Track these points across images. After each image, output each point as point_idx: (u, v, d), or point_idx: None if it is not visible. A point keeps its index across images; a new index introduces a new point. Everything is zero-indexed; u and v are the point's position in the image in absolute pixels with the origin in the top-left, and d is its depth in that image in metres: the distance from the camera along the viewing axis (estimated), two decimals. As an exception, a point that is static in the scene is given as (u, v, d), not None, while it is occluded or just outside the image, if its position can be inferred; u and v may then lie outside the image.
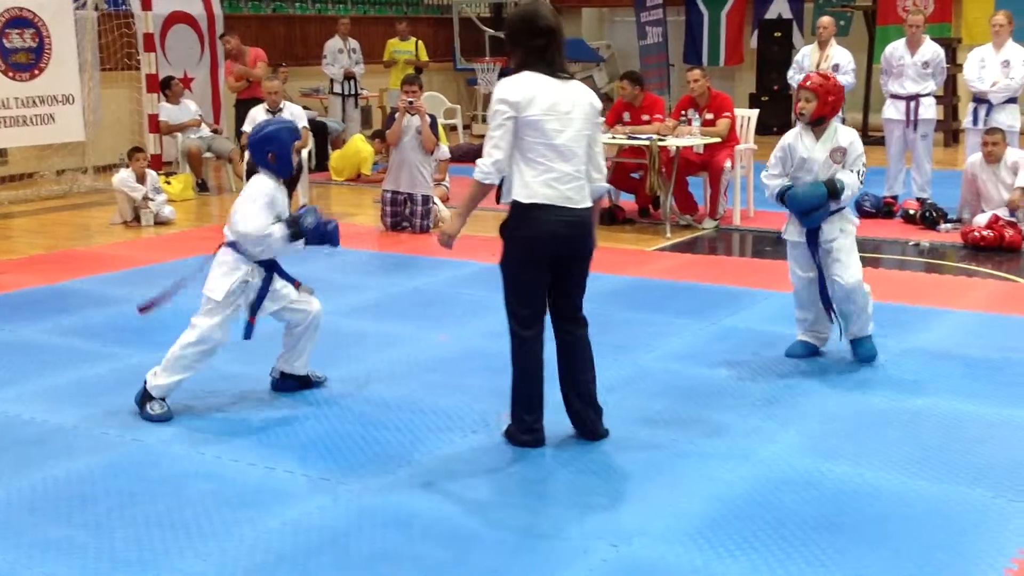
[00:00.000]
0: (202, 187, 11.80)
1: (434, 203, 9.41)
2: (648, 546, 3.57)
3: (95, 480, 4.15)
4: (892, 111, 9.94)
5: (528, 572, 3.43)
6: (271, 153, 4.84)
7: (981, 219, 8.42)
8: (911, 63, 9.79)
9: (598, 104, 4.37)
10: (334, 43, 14.16)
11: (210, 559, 3.52)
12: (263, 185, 4.88)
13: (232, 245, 4.89)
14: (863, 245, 8.44)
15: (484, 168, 4.23)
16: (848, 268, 5.37)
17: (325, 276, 7.64)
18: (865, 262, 7.83)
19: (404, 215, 9.33)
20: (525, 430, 4.42)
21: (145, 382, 4.86)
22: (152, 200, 9.86)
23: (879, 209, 9.52)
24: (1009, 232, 8.16)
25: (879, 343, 5.64)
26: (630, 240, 8.96)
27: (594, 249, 4.43)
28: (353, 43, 14.28)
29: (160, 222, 9.83)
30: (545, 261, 4.31)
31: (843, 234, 5.41)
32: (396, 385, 5.23)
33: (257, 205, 4.82)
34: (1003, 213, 8.37)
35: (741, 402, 4.93)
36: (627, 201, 10.01)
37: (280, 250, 4.93)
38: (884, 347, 5.66)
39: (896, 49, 9.96)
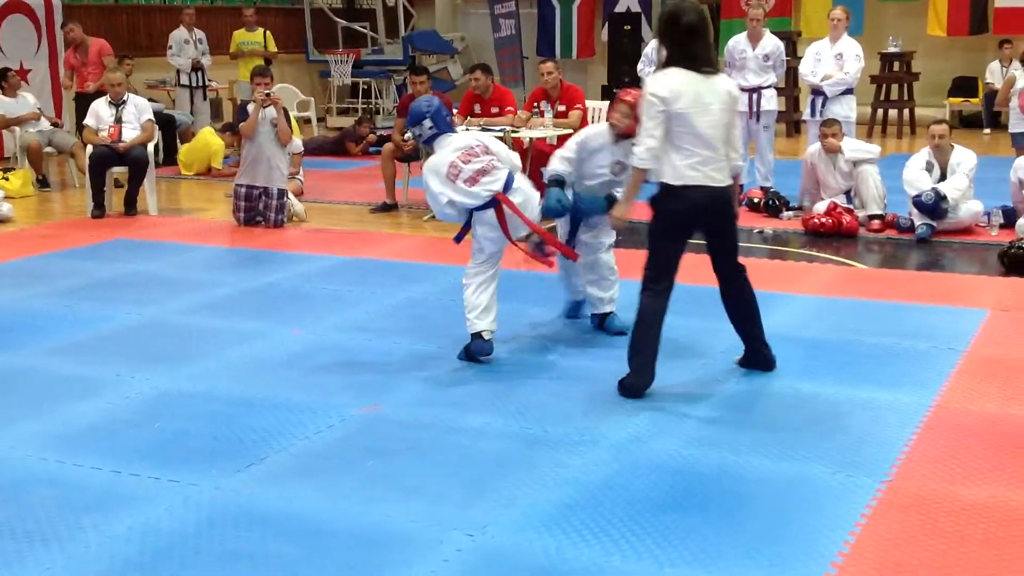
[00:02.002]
0: (43, 183, 11.37)
1: (288, 197, 9.29)
2: (502, 534, 3.61)
3: (-72, 491, 3.97)
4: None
5: (384, 566, 3.42)
6: (451, 117, 5.54)
7: (820, 206, 8.74)
8: (752, 56, 10.10)
9: (737, 93, 4.92)
10: (179, 33, 13.79)
11: (53, 567, 3.41)
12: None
13: None
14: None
15: (640, 155, 4.76)
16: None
17: (175, 273, 7.48)
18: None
19: (258, 209, 9.17)
20: (635, 372, 4.88)
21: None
22: (-12, 197, 9.46)
23: (726, 198, 9.77)
24: (847, 218, 8.50)
25: (723, 327, 5.83)
26: (485, 231, 9.00)
27: (735, 214, 5.06)
28: (200, 33, 13.93)
29: (-2, 220, 9.44)
30: (687, 233, 4.90)
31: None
32: (248, 382, 5.15)
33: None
34: (841, 201, 8.71)
35: (593, 389, 5.00)
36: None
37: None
38: (728, 331, 5.82)
39: (738, 43, 10.26)
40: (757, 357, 5.21)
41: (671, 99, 4.68)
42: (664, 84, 4.72)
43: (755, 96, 10.11)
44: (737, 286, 5.12)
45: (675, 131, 4.72)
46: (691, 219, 4.88)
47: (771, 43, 10.13)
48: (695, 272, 7.28)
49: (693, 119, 4.70)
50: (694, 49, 4.76)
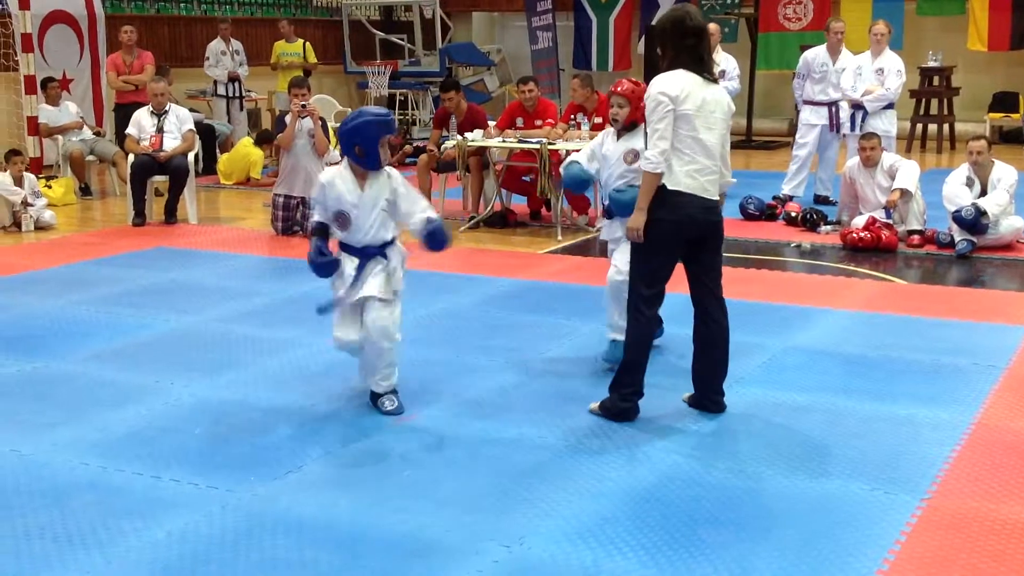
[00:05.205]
0: (85, 191, 11.51)
1: (325, 207, 9.33)
2: (539, 545, 3.60)
3: (-28, 493, 4.02)
4: (813, 117, 10.34)
5: (420, 575, 3.43)
6: (357, 147, 4.69)
7: (859, 221, 8.69)
8: (833, 70, 10.22)
9: (733, 107, 4.77)
10: (216, 45, 13.93)
11: (94, 571, 3.45)
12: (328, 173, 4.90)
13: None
14: (747, 247, 8.69)
15: (654, 159, 4.54)
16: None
17: (214, 281, 7.54)
18: (749, 263, 8.07)
19: (296, 219, 9.23)
20: (624, 399, 4.72)
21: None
22: (32, 205, 9.59)
23: (763, 212, 9.77)
24: (885, 233, 8.44)
25: (761, 341, 5.82)
26: (522, 243, 9.03)
27: (723, 236, 4.80)
28: (236, 45, 14.06)
29: (41, 227, 9.56)
30: (680, 244, 4.65)
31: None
32: (285, 390, 5.18)
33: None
34: (880, 215, 8.65)
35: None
36: (519, 204, 10.08)
37: None
38: (766, 346, 5.82)
39: (817, 56, 10.39)
40: (704, 403, 4.88)
41: (680, 99, 4.51)
42: (673, 83, 4.54)
43: (834, 109, 10.23)
44: (711, 319, 4.78)
45: (678, 134, 4.54)
46: (683, 231, 4.62)
47: (848, 59, 10.23)
48: (734, 286, 7.27)
49: (697, 122, 4.54)
50: (701, 53, 4.62)
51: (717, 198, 4.69)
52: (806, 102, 10.45)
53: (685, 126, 4.54)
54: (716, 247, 4.77)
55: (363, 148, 4.67)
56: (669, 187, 4.55)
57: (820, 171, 10.62)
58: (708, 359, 4.83)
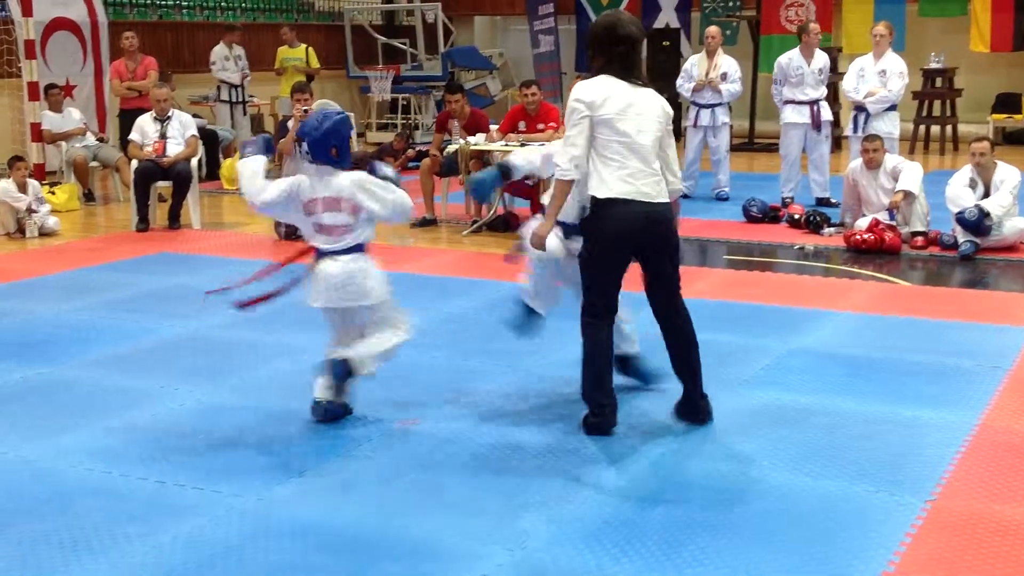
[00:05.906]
0: (88, 197, 11.54)
1: (328, 211, 9.34)
2: (542, 549, 3.60)
3: (-23, 499, 4.03)
4: (795, 116, 10.35)
5: (424, 579, 3.44)
6: (335, 148, 4.70)
7: (862, 223, 8.68)
8: (809, 72, 10.28)
9: (669, 110, 4.60)
10: (220, 50, 13.96)
11: (99, 576, 3.46)
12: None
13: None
14: (750, 249, 8.69)
15: (563, 166, 4.42)
16: None
17: (218, 286, 7.53)
18: (752, 265, 8.07)
19: (298, 224, 9.23)
20: (595, 414, 4.60)
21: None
22: (35, 211, 9.61)
23: (765, 214, 9.76)
24: (889, 235, 8.44)
25: (765, 343, 5.81)
26: (524, 247, 9.02)
27: (678, 242, 4.66)
28: (239, 50, 14.09)
29: (45, 233, 9.58)
30: (625, 254, 4.52)
31: None
32: (290, 395, 5.17)
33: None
34: (883, 217, 8.65)
35: (628, 405, 4.98)
36: (522, 208, 10.08)
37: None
38: (769, 348, 5.82)
39: (792, 60, 10.42)
40: (689, 408, 4.76)
41: (596, 104, 4.40)
42: (590, 89, 4.46)
43: (815, 108, 10.29)
44: (673, 327, 4.67)
45: (600, 140, 4.40)
46: (625, 239, 4.46)
47: (823, 58, 10.45)
48: (738, 289, 7.28)
49: (621, 126, 4.39)
50: (630, 60, 4.53)
51: (665, 200, 4.51)
52: (787, 102, 10.47)
53: (607, 131, 4.41)
54: (671, 253, 4.61)
55: (339, 148, 4.70)
56: (600, 196, 4.42)
57: (813, 173, 10.58)
58: (678, 362, 4.71)
